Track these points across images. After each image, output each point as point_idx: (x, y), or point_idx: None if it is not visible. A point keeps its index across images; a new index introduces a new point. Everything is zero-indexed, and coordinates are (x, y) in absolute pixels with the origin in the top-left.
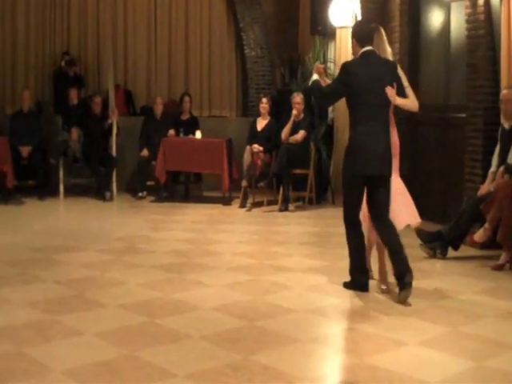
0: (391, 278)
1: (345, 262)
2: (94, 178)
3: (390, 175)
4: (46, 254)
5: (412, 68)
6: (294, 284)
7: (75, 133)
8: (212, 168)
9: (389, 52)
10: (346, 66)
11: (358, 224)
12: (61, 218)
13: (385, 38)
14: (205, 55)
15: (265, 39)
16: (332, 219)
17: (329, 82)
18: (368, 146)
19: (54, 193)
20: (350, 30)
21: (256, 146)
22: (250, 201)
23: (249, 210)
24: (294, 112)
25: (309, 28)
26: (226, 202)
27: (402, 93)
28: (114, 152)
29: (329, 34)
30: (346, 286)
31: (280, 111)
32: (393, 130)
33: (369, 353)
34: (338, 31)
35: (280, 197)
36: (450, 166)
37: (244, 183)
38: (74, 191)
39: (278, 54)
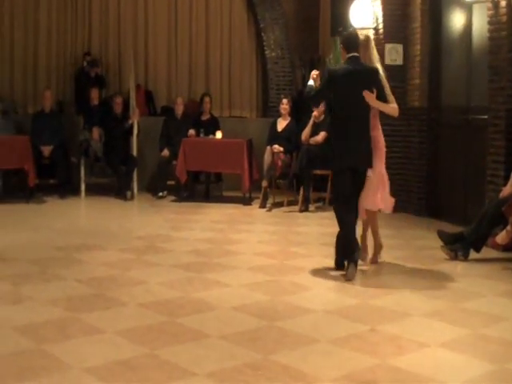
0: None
1: (364, 262)
2: (115, 177)
3: (367, 167)
4: (67, 253)
5: (433, 69)
6: (314, 284)
7: (96, 132)
8: (232, 168)
9: (376, 59)
10: (330, 72)
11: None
12: (82, 216)
13: (373, 45)
14: (225, 56)
15: (285, 40)
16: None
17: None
18: (349, 144)
19: (75, 192)
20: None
21: (276, 146)
22: (270, 201)
23: (269, 210)
24: (315, 113)
25: (329, 29)
26: (247, 202)
27: (382, 98)
28: (134, 152)
29: None
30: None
31: (300, 112)
32: (376, 129)
33: (389, 354)
34: (358, 32)
35: (300, 197)
36: (472, 167)
37: (264, 183)
38: (94, 190)
39: (298, 54)
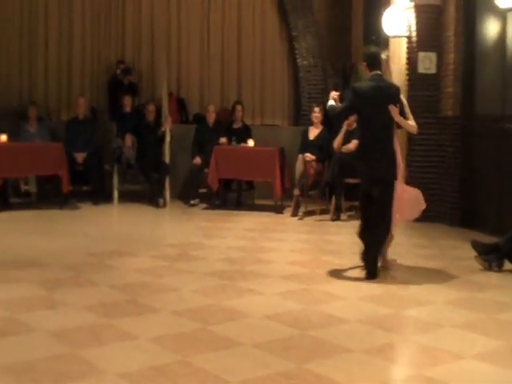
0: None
1: (399, 273)
2: (147, 184)
3: (392, 180)
4: (100, 259)
5: (467, 78)
6: (347, 294)
7: (129, 140)
8: (264, 176)
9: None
10: (355, 88)
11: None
12: (114, 223)
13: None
14: (257, 64)
15: (317, 48)
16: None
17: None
18: (375, 156)
19: (108, 198)
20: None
21: (308, 154)
22: (302, 209)
23: (301, 218)
24: (347, 121)
25: (362, 37)
26: (278, 210)
27: (403, 114)
28: (167, 159)
29: (382, 43)
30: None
31: (332, 120)
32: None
33: (423, 365)
34: (391, 40)
35: (332, 206)
36: (507, 176)
37: (296, 192)
38: (127, 197)
39: (330, 63)
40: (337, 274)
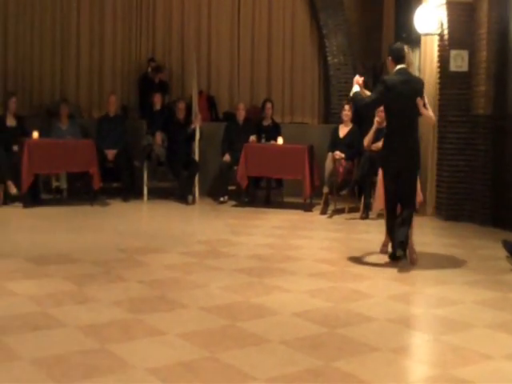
0: None
1: (428, 272)
2: (176, 181)
3: (416, 169)
4: (130, 255)
5: (499, 76)
6: (376, 292)
7: (159, 137)
8: (293, 174)
9: (415, 67)
10: (386, 81)
11: (395, 209)
12: (144, 219)
13: (411, 56)
14: (287, 62)
15: (348, 46)
16: (415, 228)
17: (367, 92)
18: (396, 147)
19: (137, 195)
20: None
21: (338, 152)
22: (331, 208)
23: (330, 216)
24: (377, 119)
25: (393, 35)
26: (307, 208)
27: (425, 106)
28: (196, 156)
29: (413, 41)
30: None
31: (362, 118)
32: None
33: (452, 365)
34: (423, 38)
35: (361, 204)
36: None
37: (325, 190)
38: (157, 194)
39: (361, 61)
40: (365, 272)
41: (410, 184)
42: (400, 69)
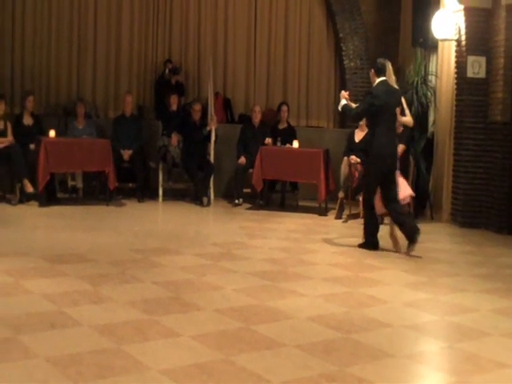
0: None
1: (444, 279)
2: (191, 183)
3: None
4: (145, 255)
5: None
6: (391, 298)
7: (175, 138)
8: (309, 178)
9: (394, 80)
10: (373, 91)
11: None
12: (159, 220)
13: (391, 70)
14: (303, 65)
15: (364, 50)
16: (430, 234)
17: (353, 104)
18: (387, 149)
19: (152, 196)
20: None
21: (353, 157)
22: (346, 212)
23: (345, 221)
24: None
25: (410, 40)
26: (322, 212)
27: (402, 113)
28: (212, 158)
29: (430, 46)
30: (361, 246)
31: (351, 120)
32: None
33: (467, 373)
34: (440, 44)
35: None
36: None
37: (341, 194)
38: (172, 195)
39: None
40: (380, 277)
41: (395, 183)
42: (382, 81)
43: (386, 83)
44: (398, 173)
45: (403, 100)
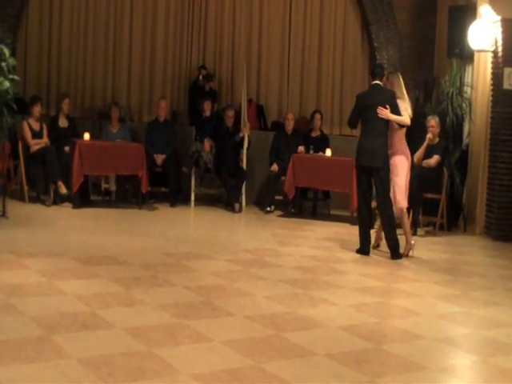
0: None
1: (478, 293)
2: (223, 189)
3: (382, 167)
4: (177, 260)
5: None
6: (423, 310)
7: (208, 144)
8: (341, 186)
9: (403, 92)
10: (358, 97)
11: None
12: (191, 225)
13: (401, 81)
14: (337, 73)
15: (399, 60)
16: (464, 247)
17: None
18: (366, 146)
19: (185, 201)
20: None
21: None
22: (377, 222)
23: (377, 231)
24: (429, 135)
25: (446, 50)
26: (354, 221)
27: (396, 113)
28: (244, 165)
29: (466, 57)
30: (357, 251)
31: (412, 134)
32: (399, 138)
33: None
34: (476, 55)
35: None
36: None
37: (373, 204)
38: (204, 200)
39: (412, 75)
40: (413, 289)
41: (387, 181)
42: (374, 84)
43: (378, 86)
44: (400, 179)
45: (400, 104)
